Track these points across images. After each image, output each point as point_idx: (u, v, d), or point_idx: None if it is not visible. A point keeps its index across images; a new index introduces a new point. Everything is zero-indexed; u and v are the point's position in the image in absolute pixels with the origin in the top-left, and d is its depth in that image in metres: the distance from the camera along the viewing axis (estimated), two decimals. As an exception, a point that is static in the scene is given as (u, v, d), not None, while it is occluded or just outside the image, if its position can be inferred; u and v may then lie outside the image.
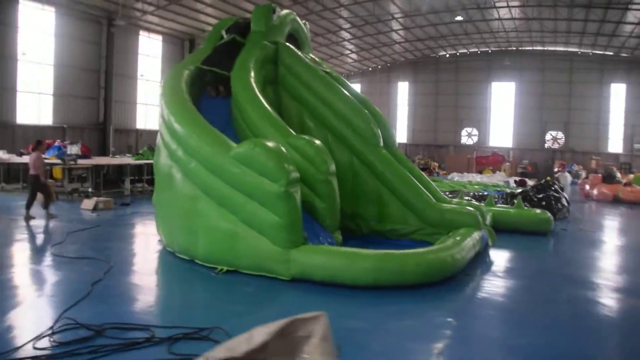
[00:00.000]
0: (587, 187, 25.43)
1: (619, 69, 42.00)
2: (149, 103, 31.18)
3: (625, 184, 25.59)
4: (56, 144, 21.46)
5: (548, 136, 44.41)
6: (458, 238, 8.37)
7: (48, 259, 8.15)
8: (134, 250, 9.43)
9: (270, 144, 7.25)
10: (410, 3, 31.60)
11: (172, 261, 8.12)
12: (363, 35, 38.05)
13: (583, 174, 36.01)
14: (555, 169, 37.32)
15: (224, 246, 7.37)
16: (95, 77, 27.36)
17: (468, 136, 46.63)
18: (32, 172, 11.78)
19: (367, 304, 6.44)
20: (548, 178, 18.33)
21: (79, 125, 26.64)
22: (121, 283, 6.98)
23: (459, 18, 33.59)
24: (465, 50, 44.96)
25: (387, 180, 9.89)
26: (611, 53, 41.05)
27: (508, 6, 31.42)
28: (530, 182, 28.32)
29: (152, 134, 30.96)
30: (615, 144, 43.47)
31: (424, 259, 7.18)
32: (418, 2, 31.02)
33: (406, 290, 6.85)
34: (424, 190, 10.07)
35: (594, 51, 41.34)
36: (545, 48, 42.80)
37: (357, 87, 50.29)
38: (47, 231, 10.62)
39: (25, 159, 17.70)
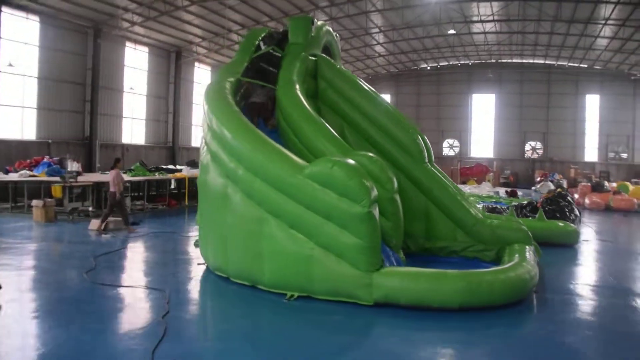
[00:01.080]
0: (577, 196, 25.74)
1: (594, 81, 43.19)
2: (135, 117, 30.26)
3: (615, 193, 26.12)
4: (45, 160, 20.47)
5: (527, 146, 45.20)
6: (521, 255, 8.12)
7: (93, 287, 7.51)
8: (179, 275, 8.78)
9: (349, 161, 6.87)
10: (399, 16, 31.68)
11: (229, 287, 7.59)
12: (350, 49, 38.01)
13: (564, 182, 36.72)
14: (537, 179, 37.99)
15: (296, 271, 6.91)
16: (80, 90, 26.33)
17: (450, 147, 47.04)
18: (111, 189, 12.53)
19: (470, 328, 6.13)
20: (559, 190, 18.40)
21: (63, 140, 25.52)
22: (189, 315, 6.45)
23: (451, 32, 33.85)
24: (447, 63, 45.42)
25: (434, 197, 9.62)
26: (586, 65, 42.14)
27: (494, 20, 31.84)
28: (520, 192, 28.74)
29: (138, 149, 30.09)
30: (591, 152, 44.58)
31: (508, 278, 6.91)
32: (408, 15, 31.09)
33: (489, 312, 6.57)
34: (471, 205, 9.85)
35: (570, 64, 42.36)
36: (524, 60, 43.64)
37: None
38: (67, 255, 9.97)
39: (12, 176, 16.90)
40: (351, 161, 6.91)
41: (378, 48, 39.42)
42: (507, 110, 45.31)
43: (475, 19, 32.01)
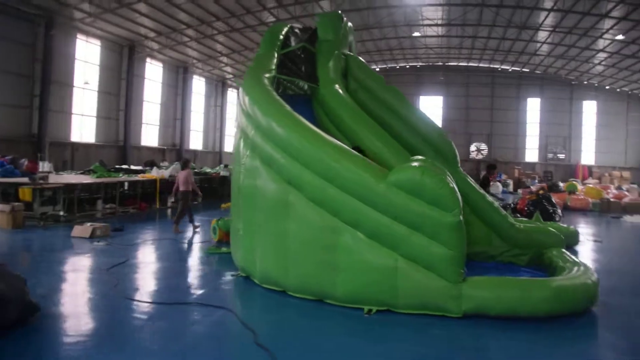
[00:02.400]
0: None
1: (534, 85, 45.27)
2: (86, 114, 28.38)
3: (570, 193, 27.37)
4: (-3, 159, 18.62)
5: (473, 147, 46.66)
6: (576, 261, 8.10)
7: (138, 306, 6.68)
8: (223, 288, 7.99)
9: (435, 167, 6.51)
10: (349, 19, 31.53)
11: (289, 301, 7.00)
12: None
13: (510, 183, 38.18)
14: (485, 179, 39.20)
15: (377, 284, 6.45)
16: (27, 83, 24.31)
17: (399, 148, 47.65)
18: (183, 188, 12.99)
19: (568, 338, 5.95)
20: (541, 191, 18.91)
21: (8, 138, 23.43)
22: (280, 339, 5.76)
23: (416, 34, 34.20)
24: (395, 65, 46.03)
25: (470, 202, 9.42)
26: (527, 70, 44.07)
27: (450, 24, 32.52)
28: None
29: (88, 148, 28.24)
30: (531, 153, 46.70)
31: (586, 284, 6.81)
32: (356, 20, 30.97)
33: (568, 319, 6.46)
34: (504, 211, 9.76)
35: (513, 68, 44.13)
36: (470, 64, 45.00)
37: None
38: (73, 268, 8.93)
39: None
40: (437, 167, 6.56)
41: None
42: (454, 112, 46.57)
43: (427, 22, 32.54)
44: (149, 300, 6.89)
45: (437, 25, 32.80)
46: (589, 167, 43.78)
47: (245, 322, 5.95)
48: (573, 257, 8.45)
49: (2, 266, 5.75)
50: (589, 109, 45.31)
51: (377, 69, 46.53)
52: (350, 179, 6.48)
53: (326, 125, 8.52)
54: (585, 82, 43.84)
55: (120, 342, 5.35)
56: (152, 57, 33.82)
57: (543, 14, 28.56)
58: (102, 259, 9.65)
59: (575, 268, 7.48)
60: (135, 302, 6.76)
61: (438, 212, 6.21)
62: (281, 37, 9.80)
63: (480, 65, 44.81)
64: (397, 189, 6.30)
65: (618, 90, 43.50)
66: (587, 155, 45.68)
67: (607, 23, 27.60)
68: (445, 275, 6.29)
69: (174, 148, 37.07)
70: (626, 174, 40.65)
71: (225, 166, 26.75)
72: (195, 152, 40.04)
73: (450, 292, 6.29)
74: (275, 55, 9.32)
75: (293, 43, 9.61)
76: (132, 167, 24.98)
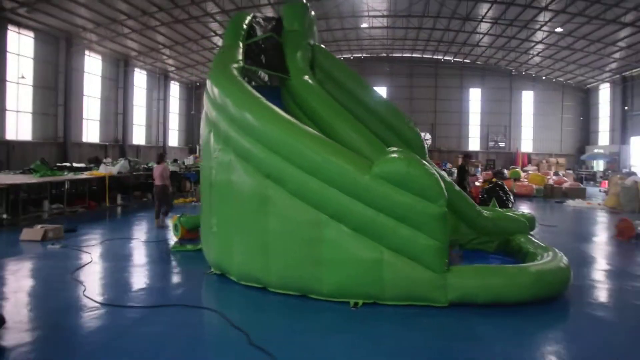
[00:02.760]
0: (478, 183, 27.59)
1: (476, 75, 46.56)
2: (21, 110, 26.79)
3: (516, 180, 28.36)
4: None
5: (418, 137, 47.47)
6: (546, 246, 8.31)
7: (121, 312, 6.29)
8: (203, 288, 7.61)
9: (418, 158, 6.47)
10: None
11: (273, 298, 6.79)
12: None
13: (455, 172, 39.16)
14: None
15: (363, 277, 6.36)
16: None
17: (346, 139, 47.89)
18: (158, 182, 12.94)
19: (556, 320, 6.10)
20: (494, 179, 19.41)
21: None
22: (274, 343, 5.59)
23: (364, 25, 34.24)
24: (340, 56, 46.10)
25: (438, 190, 9.50)
26: (469, 61, 45.26)
27: (396, 16, 32.86)
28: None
29: (25, 146, 26.70)
30: (473, 142, 48.10)
31: (563, 269, 7.01)
32: (321, 8, 30.88)
33: (546, 305, 6.64)
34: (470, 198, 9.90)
35: (455, 59, 45.20)
36: (414, 55, 45.72)
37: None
38: (33, 275, 8.36)
39: None
40: (418, 157, 6.52)
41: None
42: (398, 103, 47.03)
43: (374, 13, 32.74)
44: (127, 305, 6.52)
45: (383, 16, 33.05)
46: (528, 155, 45.56)
47: (234, 323, 5.73)
48: (540, 242, 8.68)
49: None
50: (527, 98, 47.10)
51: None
52: (334, 171, 6.34)
53: (299, 117, 8.28)
54: (524, 73, 45.52)
55: (110, 352, 5.00)
56: (91, 49, 32.35)
57: (486, 6, 29.31)
58: (62, 262, 9.10)
59: (546, 253, 7.67)
60: (112, 308, 6.37)
61: (424, 203, 6.18)
62: (245, 26, 9.49)
63: (424, 56, 45.62)
64: (382, 180, 6.21)
65: (554, 80, 45.43)
66: (526, 143, 47.53)
67: (547, 16, 28.66)
68: (430, 266, 6.28)
69: (116, 144, 35.71)
70: (562, 160, 42.54)
71: (175, 161, 25.95)
72: (138, 147, 38.74)
73: (436, 282, 6.30)
74: (241, 45, 9.01)
75: (259, 33, 9.33)
76: (75, 164, 23.88)
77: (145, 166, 22.25)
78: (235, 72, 7.96)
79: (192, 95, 48.62)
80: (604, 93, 43.31)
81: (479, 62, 45.17)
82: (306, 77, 8.39)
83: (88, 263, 8.94)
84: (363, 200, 6.29)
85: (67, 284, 7.57)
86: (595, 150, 42.30)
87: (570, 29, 30.05)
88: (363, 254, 6.36)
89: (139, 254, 10.16)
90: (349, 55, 46.14)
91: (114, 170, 19.09)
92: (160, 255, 10.01)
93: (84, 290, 7.09)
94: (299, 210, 6.58)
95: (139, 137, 39.81)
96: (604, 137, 43.62)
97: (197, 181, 24.99)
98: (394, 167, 6.22)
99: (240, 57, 8.60)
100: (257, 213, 6.91)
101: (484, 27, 33.42)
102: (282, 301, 6.72)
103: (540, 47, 35.93)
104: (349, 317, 6.11)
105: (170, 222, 12.30)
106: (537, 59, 39.85)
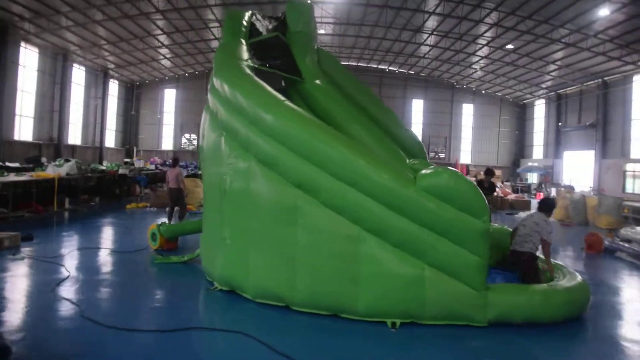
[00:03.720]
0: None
1: (419, 87, 47.58)
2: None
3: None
4: None
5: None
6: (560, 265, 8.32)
7: (140, 337, 5.57)
8: (207, 306, 7.02)
9: (459, 172, 6.22)
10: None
11: (301, 319, 6.26)
12: (184, 42, 35.66)
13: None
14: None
15: (403, 295, 6.01)
16: None
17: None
18: (174, 185, 12.80)
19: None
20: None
21: None
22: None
23: (321, 32, 33.92)
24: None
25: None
26: (413, 72, 46.18)
27: (349, 23, 32.87)
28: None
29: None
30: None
31: (586, 288, 6.98)
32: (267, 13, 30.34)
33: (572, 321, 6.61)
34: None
35: (400, 70, 45.95)
36: (359, 64, 46.01)
37: (172, 93, 47.32)
38: (6, 290, 7.37)
39: None
40: (461, 173, 6.27)
41: (214, 43, 37.71)
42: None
43: (327, 20, 32.62)
44: (138, 328, 5.80)
45: (335, 23, 32.98)
46: (467, 166, 46.99)
47: (275, 348, 5.19)
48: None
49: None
50: (467, 111, 48.63)
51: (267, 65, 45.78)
52: (377, 182, 5.95)
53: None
54: (465, 86, 46.97)
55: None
56: (28, 41, 30.10)
57: (439, 19, 29.88)
58: (35, 277, 8.16)
59: (560, 270, 7.64)
60: (122, 332, 5.64)
61: (468, 218, 5.94)
62: (244, 23, 8.93)
63: (370, 65, 46.02)
64: (428, 194, 5.90)
65: (493, 94, 47.21)
66: (465, 155, 49.02)
67: (498, 32, 29.59)
68: (471, 283, 6.04)
69: (51, 143, 33.38)
70: (498, 172, 44.15)
71: (126, 163, 24.52)
72: (74, 147, 36.45)
73: (476, 300, 6.06)
74: (243, 42, 8.44)
75: (264, 31, 8.78)
76: (9, 164, 22.03)
77: (94, 167, 20.87)
78: (249, 72, 7.40)
79: (132, 95, 46.53)
80: (539, 109, 45.48)
81: (423, 74, 46.15)
82: (322, 81, 7.96)
83: (66, 277, 8.02)
84: (407, 215, 5.95)
85: (55, 302, 6.70)
86: (530, 164, 44.22)
87: (518, 46, 31.23)
88: (403, 270, 6.01)
89: (119, 266, 9.25)
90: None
91: (62, 171, 17.70)
92: (144, 267, 9.22)
93: (81, 311, 6.28)
94: (334, 223, 6.14)
95: (75, 136, 37.49)
96: (538, 151, 45.74)
97: (147, 185, 23.81)
98: (440, 180, 5.94)
99: (246, 55, 8.03)
100: (283, 225, 6.38)
101: (434, 39, 34.10)
102: (312, 322, 6.22)
103: (484, 61, 37.14)
104: (388, 338, 5.76)
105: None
106: (480, 73, 41.22)
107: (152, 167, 28.17)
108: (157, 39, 34.34)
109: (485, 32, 30.11)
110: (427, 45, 35.72)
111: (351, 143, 6.33)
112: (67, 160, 19.16)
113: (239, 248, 6.88)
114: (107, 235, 12.62)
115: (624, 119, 32.37)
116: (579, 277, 7.25)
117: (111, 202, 20.92)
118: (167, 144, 47.91)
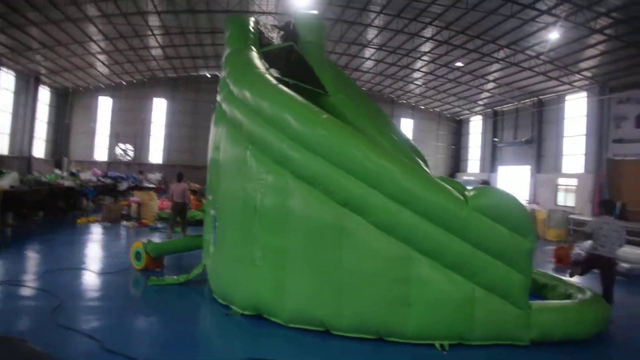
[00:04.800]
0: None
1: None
2: None
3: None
4: None
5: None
6: (556, 278, 8.54)
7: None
8: (236, 335, 6.50)
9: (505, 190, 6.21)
10: (177, 20, 29.61)
11: (348, 345, 6.00)
12: (126, 49, 34.17)
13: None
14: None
15: (453, 317, 5.92)
16: None
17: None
18: (179, 200, 13.60)
19: None
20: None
21: None
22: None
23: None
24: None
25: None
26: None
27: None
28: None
29: None
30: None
31: (607, 306, 7.15)
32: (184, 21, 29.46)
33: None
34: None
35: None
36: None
37: (107, 101, 45.14)
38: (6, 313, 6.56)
39: None
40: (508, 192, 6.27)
41: (157, 51, 36.42)
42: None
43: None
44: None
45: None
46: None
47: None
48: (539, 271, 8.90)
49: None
50: (407, 126, 49.77)
51: (209, 75, 44.56)
52: (431, 202, 5.83)
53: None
54: (405, 102, 48.11)
55: None
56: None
57: (388, 35, 30.39)
58: (20, 303, 7.31)
59: (569, 287, 7.83)
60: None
61: (518, 238, 5.94)
62: (251, 29, 8.56)
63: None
64: (480, 214, 5.82)
65: (431, 110, 48.64)
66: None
67: (442, 49, 30.54)
68: (517, 303, 6.08)
69: (-24, 152, 30.85)
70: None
71: (71, 174, 22.96)
72: (1, 157, 33.84)
73: (521, 320, 6.13)
74: (254, 50, 8.07)
75: (277, 40, 8.43)
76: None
77: (37, 179, 19.35)
78: (276, 82, 7.06)
79: (66, 103, 43.90)
80: (475, 124, 47.35)
81: (364, 89, 46.82)
82: (345, 95, 7.74)
83: (58, 305, 7.21)
84: (460, 235, 5.87)
85: (67, 335, 5.99)
86: (465, 177, 45.86)
87: (465, 63, 32.35)
88: (455, 291, 5.93)
89: (109, 289, 8.47)
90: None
91: (4, 184, 16.27)
92: (139, 289, 8.56)
93: (102, 344, 5.65)
94: (385, 244, 5.94)
95: (1, 145, 34.83)
96: (474, 165, 47.54)
97: (94, 198, 22.40)
98: (495, 200, 5.93)
99: (261, 64, 7.66)
100: (327, 247, 6.10)
101: (382, 54, 34.66)
102: (354, 347, 5.96)
103: (429, 77, 38.19)
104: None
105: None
106: (422, 89, 42.35)
107: (94, 179, 26.58)
108: (97, 45, 32.67)
109: (433, 49, 30.98)
110: (374, 60, 36.28)
111: (403, 161, 6.17)
112: (2, 172, 17.68)
113: (272, 270, 6.48)
114: (77, 254, 11.63)
115: (557, 136, 34.27)
116: (590, 292, 7.44)
117: (56, 216, 19.47)
118: (100, 155, 45.51)
